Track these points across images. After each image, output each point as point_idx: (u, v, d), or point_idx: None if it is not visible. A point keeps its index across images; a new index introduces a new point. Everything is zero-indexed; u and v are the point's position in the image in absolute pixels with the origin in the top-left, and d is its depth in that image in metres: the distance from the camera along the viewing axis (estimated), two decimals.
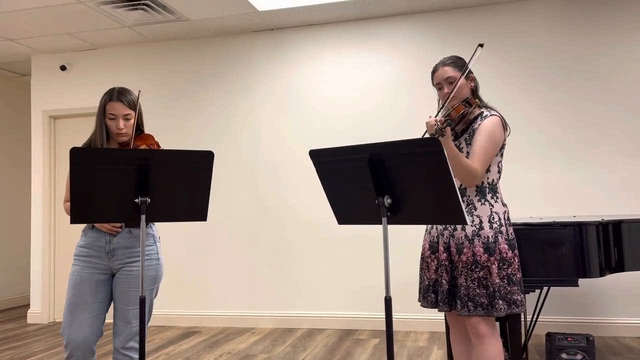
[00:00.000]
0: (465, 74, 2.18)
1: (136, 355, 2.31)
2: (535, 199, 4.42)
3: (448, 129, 2.09)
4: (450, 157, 2.12)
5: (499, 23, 4.58)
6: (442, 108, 2.23)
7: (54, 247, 5.53)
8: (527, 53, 4.52)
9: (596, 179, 4.32)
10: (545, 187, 4.41)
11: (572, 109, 4.40)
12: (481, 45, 2.08)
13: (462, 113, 2.17)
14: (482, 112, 2.27)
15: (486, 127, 2.20)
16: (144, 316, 1.89)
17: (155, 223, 2.41)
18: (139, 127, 2.38)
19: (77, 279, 2.25)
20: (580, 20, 4.44)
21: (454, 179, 1.65)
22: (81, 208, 1.89)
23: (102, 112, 2.32)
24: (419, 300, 2.39)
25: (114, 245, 2.27)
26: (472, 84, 2.31)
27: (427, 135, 2.24)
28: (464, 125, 2.28)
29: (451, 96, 2.20)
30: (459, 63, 2.28)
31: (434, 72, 2.32)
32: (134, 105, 2.31)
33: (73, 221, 1.89)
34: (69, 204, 2.34)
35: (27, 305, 6.52)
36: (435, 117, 2.12)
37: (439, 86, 2.30)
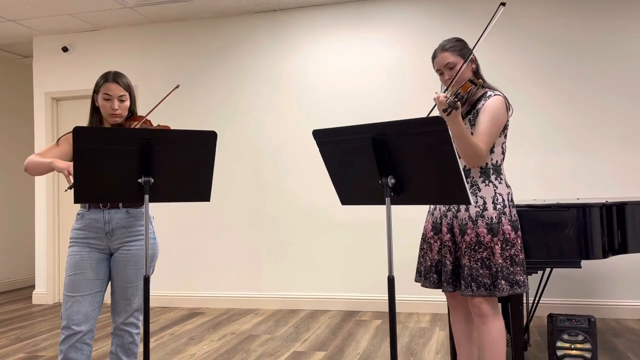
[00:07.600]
0: (467, 60, 2.16)
1: (135, 330, 2.35)
2: (539, 182, 4.41)
3: (459, 103, 2.03)
4: (460, 134, 2.08)
5: (505, 5, 4.52)
6: (445, 91, 2.21)
7: (58, 228, 5.55)
8: (533, 37, 4.46)
9: (599, 163, 4.30)
10: (548, 171, 4.39)
11: (577, 93, 4.37)
12: (503, 4, 1.98)
13: (469, 90, 2.13)
14: (486, 92, 2.26)
15: (490, 107, 2.18)
16: (148, 296, 1.91)
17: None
18: (131, 109, 2.39)
19: (77, 258, 2.25)
20: (587, 5, 4.38)
21: (458, 159, 1.64)
22: (85, 187, 1.90)
23: (97, 94, 2.32)
24: (416, 281, 2.40)
25: (113, 226, 2.28)
26: (473, 66, 2.29)
27: (436, 112, 2.22)
28: (468, 107, 2.27)
29: (453, 82, 2.19)
30: (458, 47, 2.24)
31: (434, 57, 2.30)
32: (128, 87, 2.33)
33: (77, 200, 1.90)
34: (33, 156, 2.23)
35: (32, 286, 6.57)
36: (443, 92, 2.09)
37: (439, 72, 2.28)
